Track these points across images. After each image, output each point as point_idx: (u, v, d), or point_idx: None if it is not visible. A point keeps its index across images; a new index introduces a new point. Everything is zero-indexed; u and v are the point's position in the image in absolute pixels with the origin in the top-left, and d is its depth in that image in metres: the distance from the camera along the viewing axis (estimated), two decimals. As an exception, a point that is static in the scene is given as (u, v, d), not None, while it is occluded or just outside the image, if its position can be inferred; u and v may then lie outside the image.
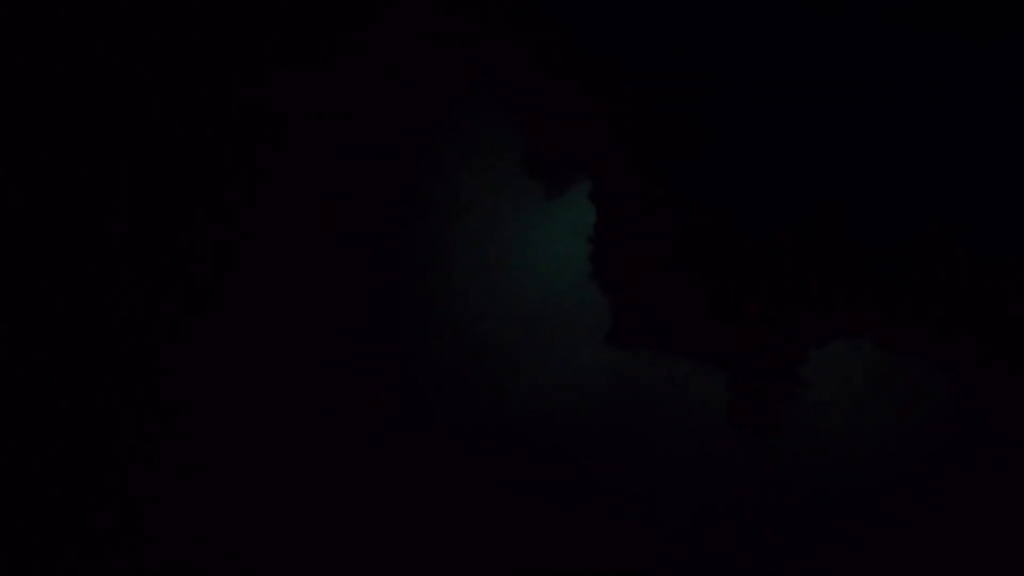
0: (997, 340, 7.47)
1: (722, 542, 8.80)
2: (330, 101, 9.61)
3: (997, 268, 6.90)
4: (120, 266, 8.77)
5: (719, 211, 9.60)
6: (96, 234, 8.80)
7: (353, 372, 8.63)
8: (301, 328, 8.83)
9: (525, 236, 9.80)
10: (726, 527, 8.88)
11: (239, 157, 9.32)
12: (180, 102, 9.27)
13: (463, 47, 9.68)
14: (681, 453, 9.10)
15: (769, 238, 9.46)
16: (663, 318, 9.66)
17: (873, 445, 9.30)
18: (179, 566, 7.89)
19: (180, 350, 8.62)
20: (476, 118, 9.69)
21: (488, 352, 8.91)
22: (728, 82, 8.05)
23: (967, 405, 8.36)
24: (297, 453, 8.36)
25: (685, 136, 9.62)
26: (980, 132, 6.51)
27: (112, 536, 7.92)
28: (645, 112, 9.74)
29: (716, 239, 9.67)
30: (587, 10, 9.13)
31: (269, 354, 8.73)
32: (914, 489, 8.88)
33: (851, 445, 9.34)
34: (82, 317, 8.57)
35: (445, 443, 8.54)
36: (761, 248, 9.52)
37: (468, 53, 9.61)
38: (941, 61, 6.12)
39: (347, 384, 8.58)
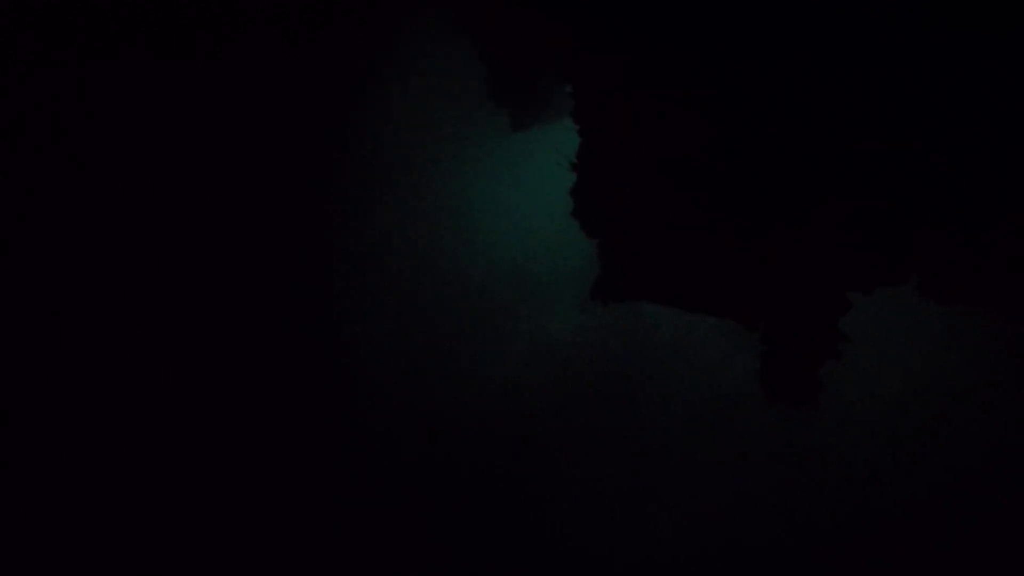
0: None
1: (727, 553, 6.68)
2: (274, 33, 8.95)
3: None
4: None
5: (726, 128, 7.23)
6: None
7: (284, 361, 7.97)
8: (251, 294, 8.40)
9: (494, 178, 8.31)
10: (731, 535, 6.75)
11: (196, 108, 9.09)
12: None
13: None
14: (670, 446, 7.10)
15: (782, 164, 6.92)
16: (659, 264, 7.60)
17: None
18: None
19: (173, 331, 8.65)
20: (425, 43, 8.37)
21: (440, 331, 7.67)
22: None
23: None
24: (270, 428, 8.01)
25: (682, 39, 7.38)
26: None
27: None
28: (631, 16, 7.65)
29: (727, 162, 7.32)
30: None
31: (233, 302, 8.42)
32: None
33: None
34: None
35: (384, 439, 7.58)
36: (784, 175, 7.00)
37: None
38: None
39: (278, 371, 7.93)
